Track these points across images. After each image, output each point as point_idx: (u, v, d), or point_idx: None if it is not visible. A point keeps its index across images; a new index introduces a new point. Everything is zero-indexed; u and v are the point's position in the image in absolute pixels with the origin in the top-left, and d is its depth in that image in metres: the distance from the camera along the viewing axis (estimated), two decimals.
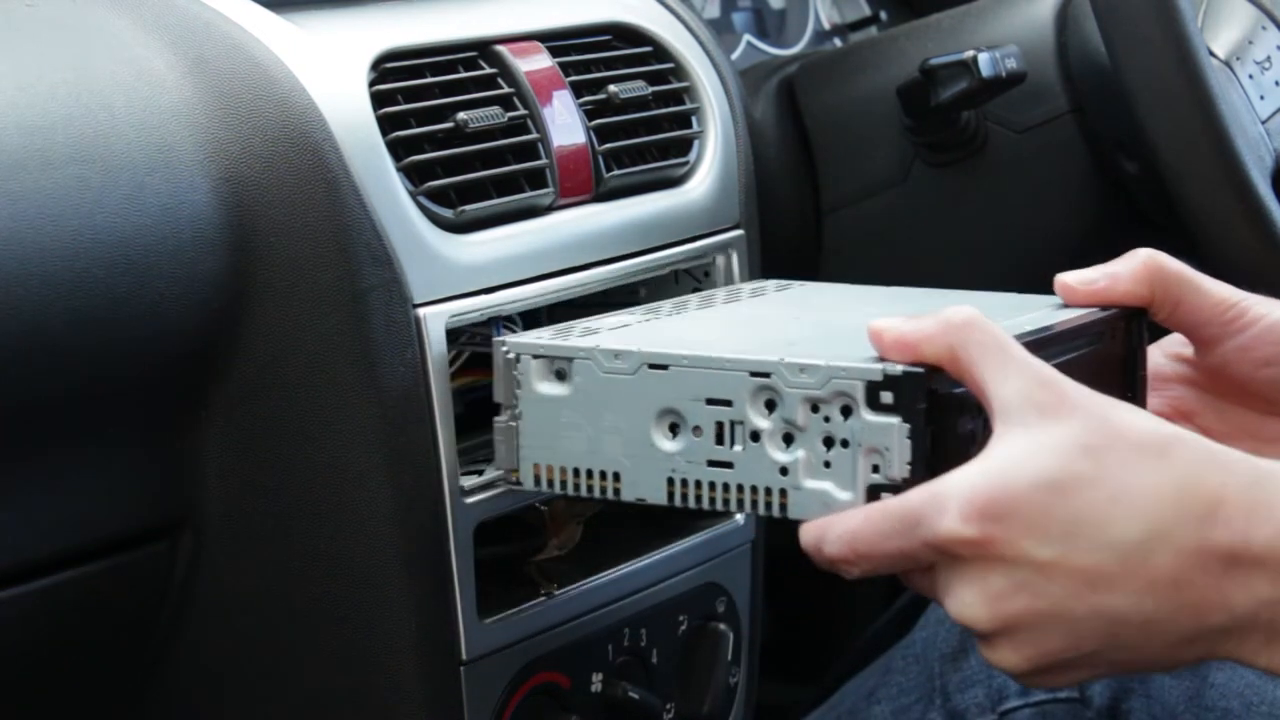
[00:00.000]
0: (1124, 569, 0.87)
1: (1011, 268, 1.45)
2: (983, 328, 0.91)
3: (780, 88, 1.51)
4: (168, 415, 1.08)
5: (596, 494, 1.01)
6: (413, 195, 1.11)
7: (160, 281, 1.04)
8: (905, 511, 0.90)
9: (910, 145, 1.45)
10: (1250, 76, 1.43)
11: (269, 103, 1.08)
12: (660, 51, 1.29)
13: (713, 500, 0.97)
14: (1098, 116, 1.42)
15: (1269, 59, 1.46)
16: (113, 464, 1.07)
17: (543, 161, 1.18)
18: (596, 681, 1.21)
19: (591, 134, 1.21)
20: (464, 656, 1.13)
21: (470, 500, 1.12)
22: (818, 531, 0.93)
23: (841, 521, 0.92)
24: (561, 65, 1.22)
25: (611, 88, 1.23)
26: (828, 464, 0.94)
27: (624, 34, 1.29)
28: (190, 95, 1.08)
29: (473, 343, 1.15)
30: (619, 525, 1.24)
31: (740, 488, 0.97)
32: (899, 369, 0.92)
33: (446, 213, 1.12)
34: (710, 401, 0.97)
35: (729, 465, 0.97)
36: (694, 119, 1.29)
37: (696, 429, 0.97)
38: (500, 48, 1.20)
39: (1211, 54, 1.37)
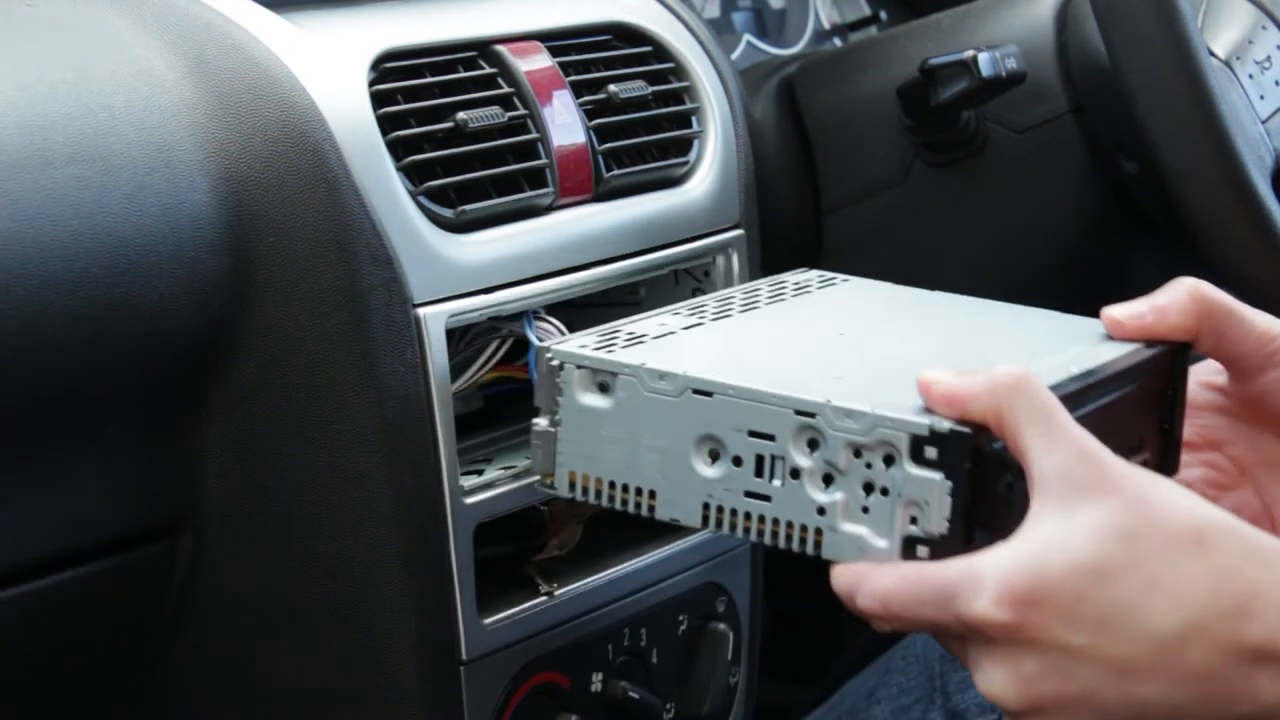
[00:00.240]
0: (1156, 661, 0.87)
1: (1012, 268, 1.45)
2: (1030, 392, 0.90)
3: (780, 88, 1.51)
4: (168, 415, 1.08)
5: (630, 509, 1.00)
6: (413, 195, 1.11)
7: (160, 281, 1.04)
8: (941, 584, 0.89)
9: (910, 145, 1.45)
10: (1250, 76, 1.43)
11: (269, 103, 1.08)
12: (660, 51, 1.29)
13: (747, 530, 0.96)
14: (1098, 116, 1.42)
15: (1269, 59, 1.46)
16: (113, 464, 1.07)
17: (542, 161, 1.18)
18: (596, 681, 1.21)
19: (591, 134, 1.21)
20: (464, 656, 1.13)
21: (470, 500, 1.12)
22: (852, 580, 0.93)
23: (877, 577, 0.92)
24: (561, 65, 1.21)
25: (611, 87, 1.23)
26: (866, 509, 0.93)
27: (624, 34, 1.29)
28: (190, 95, 1.08)
29: (497, 335, 1.14)
30: (619, 525, 1.24)
31: (776, 521, 0.96)
32: (946, 426, 0.91)
33: (446, 213, 1.12)
34: (753, 434, 0.96)
35: (766, 498, 0.96)
36: (694, 119, 1.29)
37: (737, 459, 0.96)
38: (500, 47, 1.20)
39: (1211, 54, 1.37)
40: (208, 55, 1.09)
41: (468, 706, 1.14)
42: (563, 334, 1.15)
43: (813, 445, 0.94)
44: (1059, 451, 0.89)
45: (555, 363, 1.02)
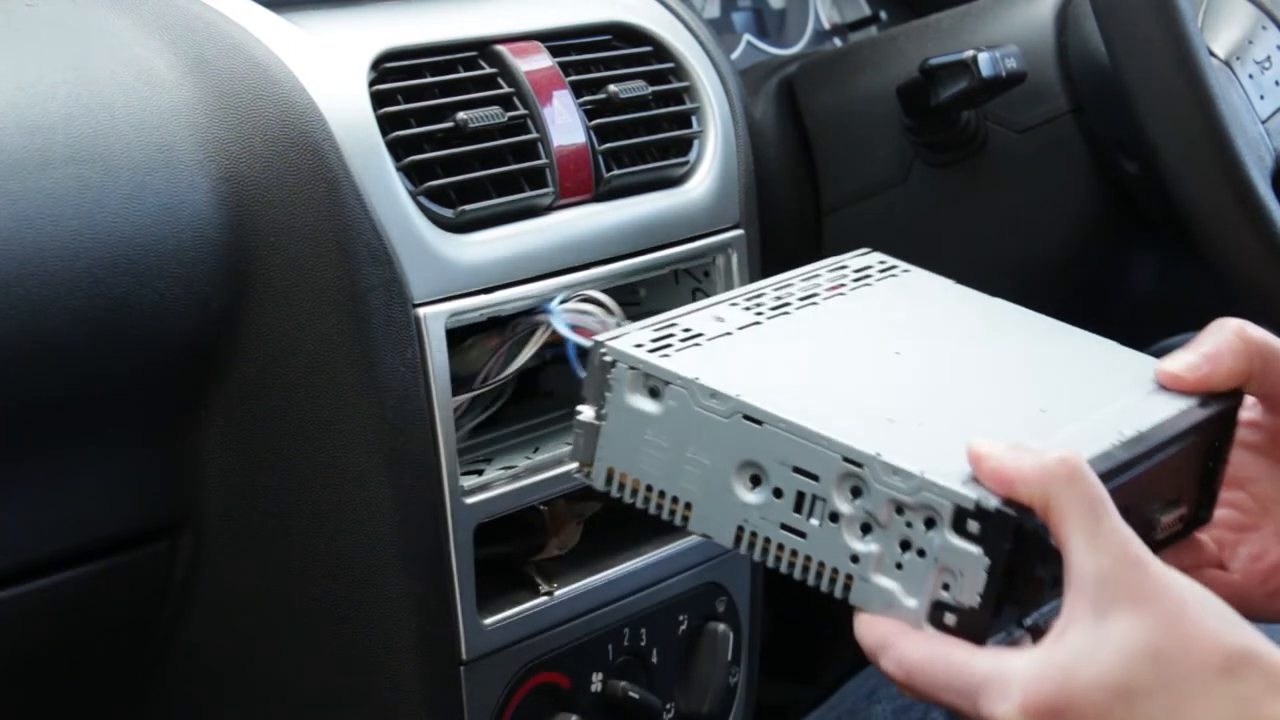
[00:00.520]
0: None
1: (1012, 268, 1.45)
2: (1080, 485, 0.89)
3: (780, 88, 1.51)
4: (168, 415, 1.08)
5: (665, 515, 0.98)
6: (413, 195, 1.11)
7: (160, 281, 1.04)
8: (968, 677, 0.89)
9: (910, 145, 1.45)
10: (1250, 76, 1.43)
11: (269, 103, 1.08)
12: (660, 51, 1.29)
13: (778, 560, 0.95)
14: (1098, 116, 1.42)
15: (1269, 59, 1.46)
16: (113, 464, 1.07)
17: (542, 161, 1.18)
18: (596, 681, 1.21)
19: (591, 134, 1.21)
20: (464, 656, 1.13)
21: (470, 500, 1.12)
22: (879, 640, 0.92)
23: (905, 647, 0.91)
24: (561, 65, 1.21)
25: (611, 87, 1.23)
26: (900, 565, 0.92)
27: (624, 34, 1.29)
28: (190, 95, 1.08)
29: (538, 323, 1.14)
30: (619, 525, 1.24)
31: (808, 559, 0.95)
32: (992, 503, 0.90)
33: (446, 212, 1.12)
34: (797, 470, 0.94)
35: (802, 534, 0.95)
36: (694, 119, 1.29)
37: (777, 490, 0.95)
38: (500, 47, 1.20)
39: (1211, 54, 1.37)
40: (208, 55, 1.09)
41: (468, 706, 1.13)
42: (612, 313, 1.13)
43: (856, 493, 0.93)
44: (1101, 554, 0.88)
45: (608, 359, 0.99)
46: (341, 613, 1.11)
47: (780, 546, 0.95)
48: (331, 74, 1.10)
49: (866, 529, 0.93)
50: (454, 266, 1.11)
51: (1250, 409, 1.07)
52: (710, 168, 1.28)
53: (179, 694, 1.15)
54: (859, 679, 1.39)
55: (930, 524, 0.91)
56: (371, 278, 1.07)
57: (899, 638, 0.92)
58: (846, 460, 0.93)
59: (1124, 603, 0.87)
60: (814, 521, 0.94)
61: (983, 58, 1.36)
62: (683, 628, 1.27)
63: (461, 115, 1.14)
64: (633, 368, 0.98)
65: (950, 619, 0.91)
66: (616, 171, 1.22)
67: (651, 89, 1.25)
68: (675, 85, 1.28)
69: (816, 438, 0.94)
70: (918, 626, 0.92)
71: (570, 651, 1.19)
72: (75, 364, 1.02)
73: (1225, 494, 1.07)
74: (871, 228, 1.48)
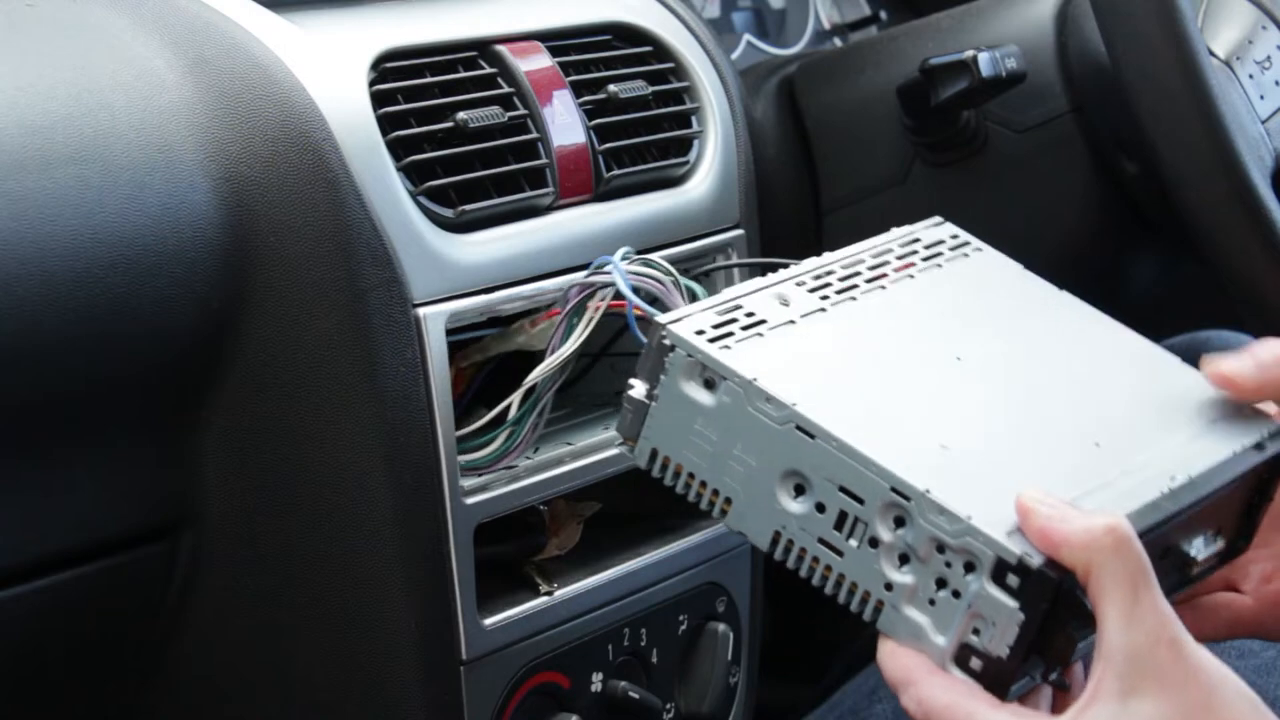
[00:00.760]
0: None
1: None
2: (1125, 556, 0.89)
3: (780, 87, 1.51)
4: (168, 415, 1.08)
5: (703, 505, 0.98)
6: (413, 195, 1.11)
7: (160, 281, 1.04)
8: None
9: (910, 145, 1.45)
10: (1250, 76, 1.43)
11: (269, 103, 1.08)
12: (660, 51, 1.29)
13: (811, 571, 0.95)
14: (1098, 116, 1.42)
15: (1269, 59, 1.46)
16: (113, 464, 1.07)
17: (543, 161, 1.18)
18: (596, 681, 1.21)
19: (591, 134, 1.21)
20: (464, 656, 1.13)
21: (470, 500, 1.12)
22: (903, 674, 0.92)
23: (928, 688, 0.91)
24: (561, 65, 1.21)
25: (611, 87, 1.23)
26: (933, 602, 0.92)
27: (624, 33, 1.29)
28: (190, 95, 1.08)
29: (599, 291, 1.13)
30: (619, 525, 1.24)
31: (841, 576, 0.94)
32: (1035, 561, 0.89)
33: (446, 212, 1.12)
34: (843, 490, 0.94)
35: (839, 553, 0.94)
36: (694, 119, 1.29)
37: (820, 505, 0.94)
38: (500, 47, 1.20)
39: (1211, 54, 1.37)
40: (208, 55, 1.09)
41: (468, 706, 1.13)
42: (677, 282, 1.11)
43: (899, 523, 0.92)
44: (1136, 630, 0.88)
45: (667, 342, 0.98)
46: (341, 613, 1.11)
47: (815, 559, 0.95)
48: (332, 74, 1.10)
49: (904, 559, 0.92)
50: (454, 266, 1.11)
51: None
52: (710, 168, 1.28)
53: (179, 693, 1.15)
54: (859, 679, 1.39)
55: (970, 568, 0.91)
56: (372, 278, 1.07)
57: (923, 675, 0.91)
58: (895, 490, 0.92)
59: (1152, 684, 0.87)
60: (853, 543, 0.94)
61: (983, 58, 1.37)
62: (683, 628, 1.27)
63: (462, 115, 1.14)
64: (690, 355, 0.97)
65: (976, 664, 0.91)
66: (616, 171, 1.22)
67: (651, 89, 1.26)
68: (675, 85, 1.28)
69: (868, 463, 0.93)
70: (941, 664, 0.91)
71: (570, 651, 1.19)
72: (75, 364, 1.02)
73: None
74: (871, 228, 1.48)
